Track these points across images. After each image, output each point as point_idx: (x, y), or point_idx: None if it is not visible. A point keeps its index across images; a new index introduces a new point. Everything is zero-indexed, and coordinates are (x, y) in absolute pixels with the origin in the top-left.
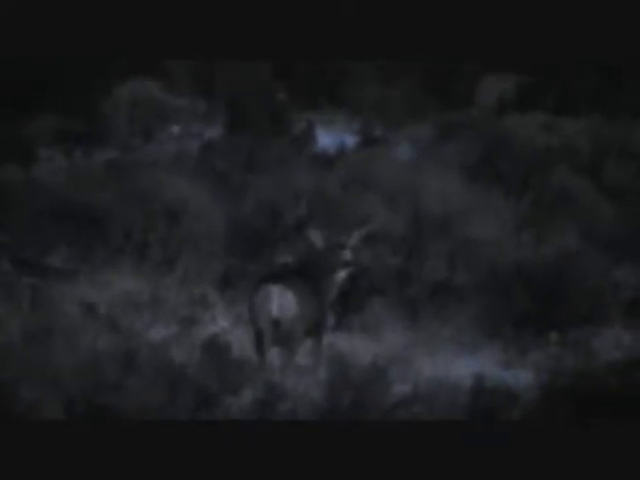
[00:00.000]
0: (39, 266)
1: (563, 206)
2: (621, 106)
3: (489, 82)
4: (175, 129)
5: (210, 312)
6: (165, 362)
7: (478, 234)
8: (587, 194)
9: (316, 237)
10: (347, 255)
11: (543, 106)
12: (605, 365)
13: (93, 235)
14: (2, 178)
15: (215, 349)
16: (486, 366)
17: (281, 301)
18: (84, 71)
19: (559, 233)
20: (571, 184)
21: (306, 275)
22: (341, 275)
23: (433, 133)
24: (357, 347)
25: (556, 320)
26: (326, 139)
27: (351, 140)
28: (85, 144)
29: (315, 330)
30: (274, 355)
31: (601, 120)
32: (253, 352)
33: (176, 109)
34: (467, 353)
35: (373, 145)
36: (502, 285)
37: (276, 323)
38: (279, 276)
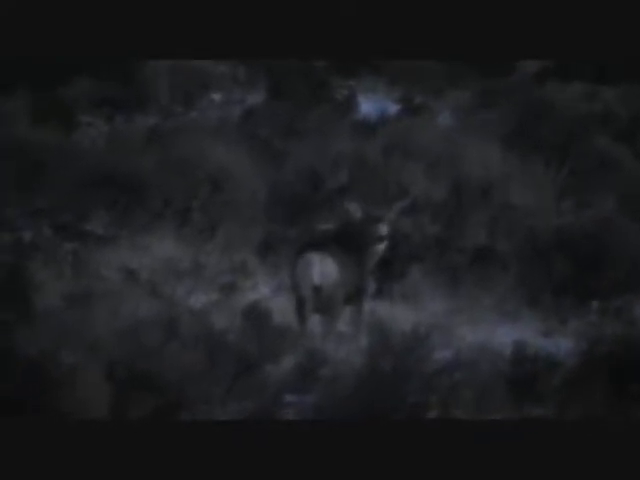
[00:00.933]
0: (79, 231)
1: (603, 174)
2: None
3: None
4: (216, 96)
5: (251, 279)
6: (206, 329)
7: (518, 201)
8: (626, 161)
9: (355, 209)
10: (384, 230)
11: (583, 75)
12: None
13: (133, 201)
14: (42, 143)
15: (256, 316)
16: (527, 334)
17: (322, 268)
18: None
19: (599, 201)
20: (610, 151)
21: (346, 243)
22: (380, 247)
23: (474, 100)
24: (398, 314)
25: (596, 288)
26: (368, 106)
27: (392, 107)
28: (126, 110)
29: (356, 297)
30: (315, 322)
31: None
32: (294, 319)
33: (217, 76)
34: (508, 321)
35: (414, 113)
36: (542, 253)
37: (317, 290)
38: (320, 244)
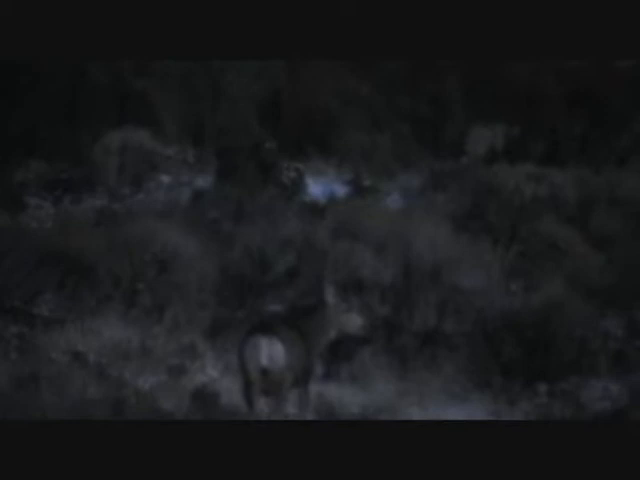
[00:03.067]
0: (26, 314)
1: (551, 256)
2: (607, 155)
3: (478, 132)
4: (165, 178)
5: (199, 361)
6: (154, 410)
7: (467, 283)
8: (574, 244)
9: (329, 294)
10: (357, 321)
11: (531, 156)
12: (593, 415)
13: (81, 283)
14: None
15: (204, 398)
16: (476, 415)
17: (270, 351)
18: (73, 117)
19: (547, 282)
20: (558, 234)
21: (295, 324)
22: (329, 329)
23: (423, 182)
24: (346, 396)
25: (544, 370)
26: (316, 188)
27: (341, 189)
28: (74, 191)
29: (303, 379)
30: (262, 404)
31: (588, 169)
32: (242, 401)
33: (165, 158)
34: (457, 402)
35: (363, 194)
36: (491, 335)
37: (265, 373)
38: (268, 326)
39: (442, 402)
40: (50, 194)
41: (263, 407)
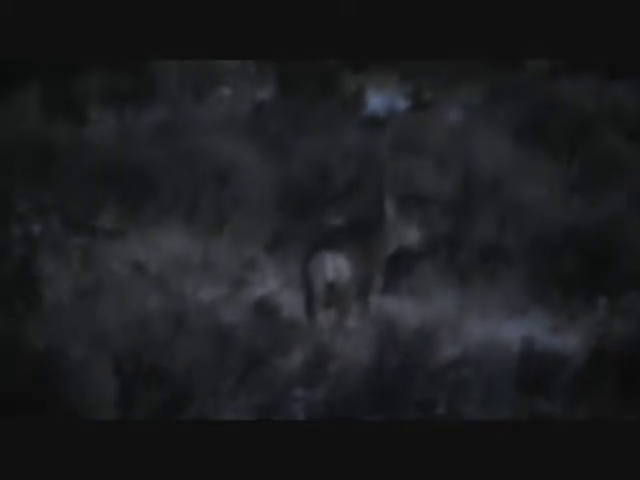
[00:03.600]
0: (88, 226)
1: (613, 171)
2: None
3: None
4: (226, 90)
5: (260, 274)
6: (215, 323)
7: (527, 197)
8: (636, 159)
9: (389, 208)
10: (417, 235)
11: (594, 70)
12: None
13: (142, 196)
14: (52, 138)
15: (265, 311)
16: (535, 330)
17: (335, 266)
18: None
19: (608, 198)
20: (621, 149)
21: (358, 237)
22: (391, 242)
23: (484, 97)
24: (405, 310)
25: (605, 286)
26: (377, 102)
27: (402, 103)
28: (135, 104)
29: (364, 292)
30: (323, 317)
31: None
32: (303, 314)
33: (226, 71)
34: (516, 317)
35: (423, 108)
36: (551, 250)
37: (330, 287)
38: (331, 240)
39: (502, 317)
40: (111, 107)
41: (324, 320)
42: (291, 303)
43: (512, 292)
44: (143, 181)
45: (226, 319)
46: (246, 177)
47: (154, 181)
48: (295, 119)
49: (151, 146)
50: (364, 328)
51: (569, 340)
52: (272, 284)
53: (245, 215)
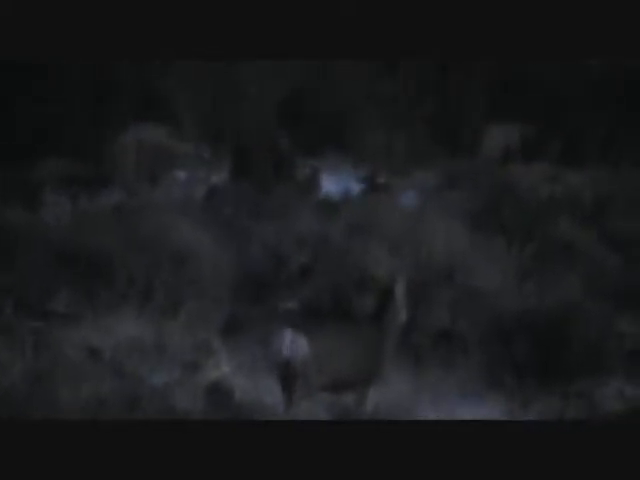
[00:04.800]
0: (42, 310)
1: (566, 257)
2: (624, 156)
3: (494, 131)
4: (181, 174)
5: (214, 357)
6: (168, 407)
7: (481, 283)
8: (590, 244)
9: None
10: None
11: (547, 156)
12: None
13: (97, 280)
14: (8, 222)
15: (218, 395)
16: (490, 416)
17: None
18: (91, 115)
19: (562, 283)
20: (574, 234)
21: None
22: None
23: (438, 181)
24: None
25: (558, 371)
26: (331, 185)
27: (356, 187)
28: (91, 188)
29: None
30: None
31: (605, 170)
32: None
33: (182, 155)
34: (471, 402)
35: (378, 192)
36: (505, 335)
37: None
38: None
39: (456, 402)
40: (67, 191)
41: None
42: (244, 386)
43: (466, 377)
44: (98, 265)
45: (180, 404)
46: (201, 260)
47: (109, 264)
48: (249, 203)
49: (106, 230)
50: (316, 413)
51: None
52: (225, 368)
53: (199, 299)
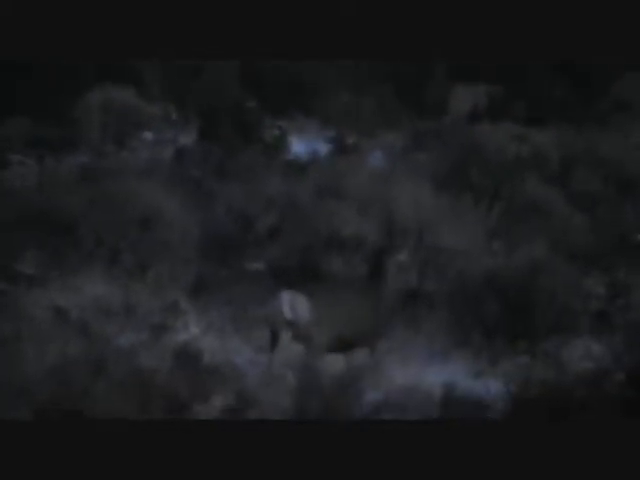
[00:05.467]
0: (9, 271)
1: (533, 216)
2: (589, 115)
3: (461, 91)
4: (148, 135)
5: (182, 319)
6: (135, 369)
7: (448, 243)
8: (557, 204)
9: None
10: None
11: (514, 116)
12: (574, 375)
13: (64, 241)
14: None
15: (186, 356)
16: (457, 375)
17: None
18: (55, 75)
19: (529, 243)
20: (541, 194)
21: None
22: None
23: (405, 141)
24: (328, 356)
25: (526, 330)
26: (299, 147)
27: (324, 148)
28: (57, 149)
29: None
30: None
31: (570, 130)
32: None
33: (149, 115)
34: (438, 361)
35: (346, 153)
36: (472, 294)
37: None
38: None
39: (423, 361)
40: (33, 152)
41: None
42: (212, 348)
43: (433, 336)
44: (64, 226)
45: (147, 364)
46: (168, 222)
47: (76, 226)
48: (217, 164)
49: (73, 191)
50: (286, 375)
51: (491, 385)
52: (194, 329)
53: (167, 260)
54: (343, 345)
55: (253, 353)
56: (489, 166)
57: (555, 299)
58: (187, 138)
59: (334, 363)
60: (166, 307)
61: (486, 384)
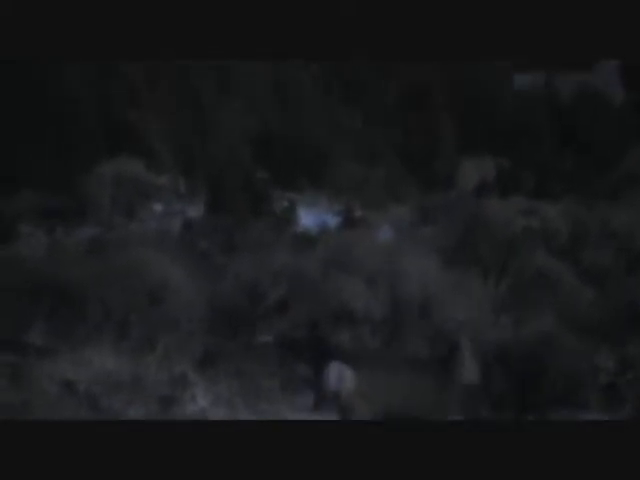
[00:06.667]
0: (18, 343)
1: (542, 289)
2: (598, 189)
3: (469, 165)
4: (157, 207)
5: (190, 391)
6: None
7: (457, 317)
8: (566, 277)
9: None
10: None
11: (522, 190)
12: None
13: (73, 313)
14: None
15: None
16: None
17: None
18: (67, 147)
19: (538, 316)
20: (549, 267)
21: None
22: None
23: (413, 215)
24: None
25: (535, 403)
26: (308, 219)
27: (332, 220)
28: (67, 221)
29: None
30: None
31: (579, 203)
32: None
33: (158, 187)
34: None
35: (354, 226)
36: (481, 368)
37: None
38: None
39: None
40: (43, 223)
41: None
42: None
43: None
44: (73, 298)
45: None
46: (177, 294)
47: (85, 298)
48: (225, 236)
49: (82, 263)
50: None
51: None
52: (201, 401)
53: (175, 332)
54: None
55: None
56: (497, 239)
57: (564, 372)
58: (196, 210)
59: None
60: (174, 379)
61: None
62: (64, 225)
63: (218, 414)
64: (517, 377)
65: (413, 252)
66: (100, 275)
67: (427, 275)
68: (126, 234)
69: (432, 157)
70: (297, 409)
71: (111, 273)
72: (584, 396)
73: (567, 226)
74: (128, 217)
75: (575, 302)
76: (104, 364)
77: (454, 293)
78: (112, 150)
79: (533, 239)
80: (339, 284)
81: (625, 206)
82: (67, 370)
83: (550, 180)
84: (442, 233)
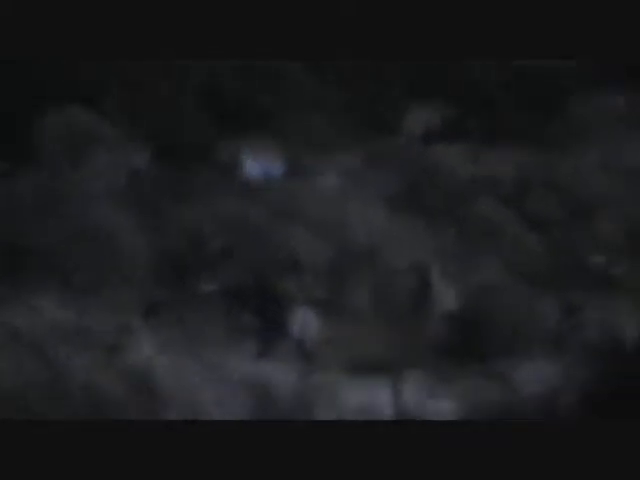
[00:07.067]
0: None
1: (487, 237)
2: (545, 138)
3: (416, 111)
4: (102, 156)
5: (135, 339)
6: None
7: (402, 264)
8: (511, 225)
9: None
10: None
11: (469, 137)
12: (527, 397)
13: (18, 261)
14: None
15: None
16: (409, 394)
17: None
18: (14, 96)
19: (483, 264)
20: (495, 215)
21: None
22: None
23: (360, 161)
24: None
25: (479, 351)
26: (253, 168)
27: (278, 169)
28: (13, 169)
29: None
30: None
31: (525, 151)
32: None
33: (104, 137)
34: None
35: (300, 173)
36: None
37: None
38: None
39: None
40: None
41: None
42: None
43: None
44: (18, 246)
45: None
46: (122, 243)
47: (30, 246)
48: (171, 185)
49: (28, 212)
50: (239, 394)
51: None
52: (147, 349)
53: (120, 281)
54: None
55: None
56: (443, 186)
57: (508, 320)
58: (141, 159)
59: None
60: (119, 328)
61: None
62: (10, 173)
63: (163, 362)
64: (461, 326)
65: (359, 198)
66: (45, 224)
67: (373, 222)
68: (71, 183)
69: (378, 102)
70: (242, 357)
71: (57, 222)
72: (528, 344)
73: (512, 174)
74: (73, 166)
75: (520, 250)
76: (50, 313)
77: (400, 240)
78: (59, 98)
79: (479, 187)
80: (285, 232)
81: (571, 156)
82: (13, 318)
83: (497, 127)
84: (388, 179)
